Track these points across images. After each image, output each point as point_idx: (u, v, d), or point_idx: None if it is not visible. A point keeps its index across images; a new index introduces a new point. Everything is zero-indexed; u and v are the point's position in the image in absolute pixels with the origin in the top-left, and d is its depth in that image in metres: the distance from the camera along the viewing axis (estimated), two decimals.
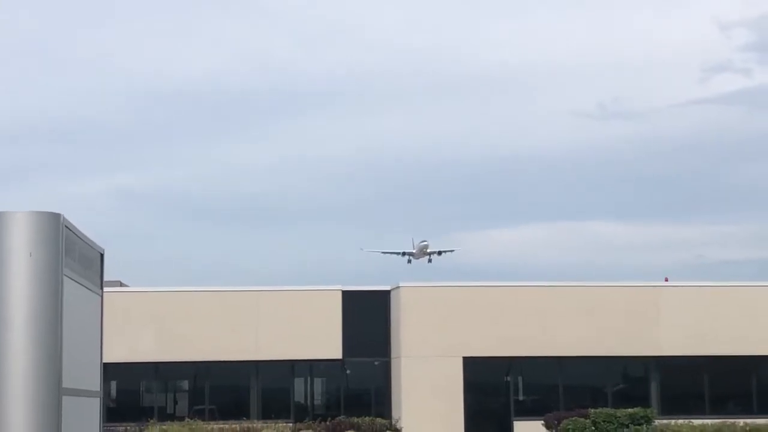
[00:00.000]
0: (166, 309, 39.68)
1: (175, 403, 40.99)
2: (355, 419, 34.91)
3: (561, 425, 34.98)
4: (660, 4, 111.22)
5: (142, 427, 34.38)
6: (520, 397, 40.92)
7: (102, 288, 10.05)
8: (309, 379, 41.24)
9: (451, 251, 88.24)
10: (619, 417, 34.72)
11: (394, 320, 40.27)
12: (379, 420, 35.27)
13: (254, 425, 34.89)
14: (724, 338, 39.89)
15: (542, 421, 36.53)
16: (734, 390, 41.13)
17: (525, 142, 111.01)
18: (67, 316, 8.16)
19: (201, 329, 39.30)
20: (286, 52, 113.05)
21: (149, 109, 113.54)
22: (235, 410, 38.70)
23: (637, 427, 34.30)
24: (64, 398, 8.09)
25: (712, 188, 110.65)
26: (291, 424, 35.60)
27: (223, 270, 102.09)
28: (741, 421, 34.38)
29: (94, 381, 9.83)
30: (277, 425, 34.66)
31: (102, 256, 9.96)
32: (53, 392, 7.89)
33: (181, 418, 36.33)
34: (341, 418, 35.46)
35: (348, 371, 40.94)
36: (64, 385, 8.08)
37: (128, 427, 34.80)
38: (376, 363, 40.83)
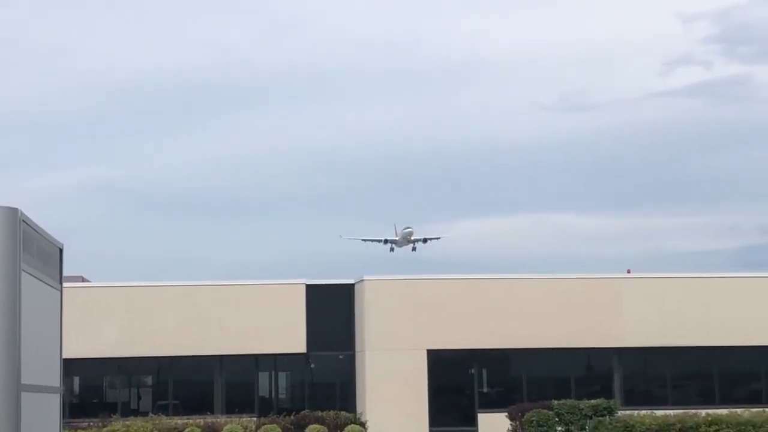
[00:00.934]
0: (129, 304, 39.48)
1: (139, 398, 40.80)
2: (320, 413, 34.92)
3: (525, 417, 35.11)
4: None
5: (106, 423, 34.20)
6: (485, 390, 41.05)
7: (61, 283, 9.98)
8: (273, 373, 41.16)
9: (437, 238, 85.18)
10: (582, 408, 34.90)
11: (359, 314, 40.28)
12: (343, 413, 35.28)
13: (218, 420, 34.80)
14: (686, 329, 40.22)
15: (506, 413, 36.65)
16: (696, 381, 41.47)
17: (488, 134, 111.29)
18: (26, 311, 8.09)
19: (164, 324, 39.16)
20: (247, 43, 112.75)
21: (111, 102, 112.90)
22: (199, 405, 38.61)
23: (600, 418, 34.49)
24: (23, 394, 8.03)
25: (673, 180, 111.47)
26: (255, 419, 35.51)
27: (187, 264, 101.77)
28: (703, 412, 34.61)
29: (53, 377, 9.77)
30: (241, 420, 34.57)
31: (61, 251, 9.89)
32: (12, 388, 7.83)
33: (145, 414, 36.18)
34: (306, 412, 35.46)
35: (312, 365, 40.93)
36: (23, 381, 8.03)
37: (91, 423, 34.63)
38: (340, 357, 40.84)
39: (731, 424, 33.42)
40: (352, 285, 40.81)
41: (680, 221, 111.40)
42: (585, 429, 34.57)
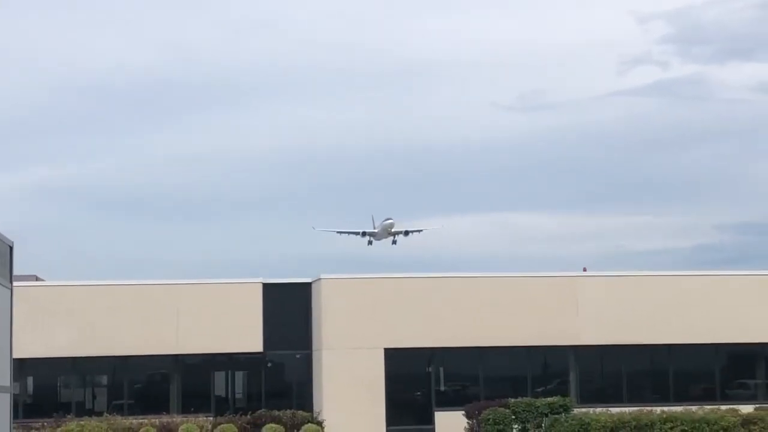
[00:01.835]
0: (83, 303, 39.18)
1: (94, 398, 40.49)
2: (277, 412, 34.78)
3: (481, 415, 35.16)
4: None
5: (60, 423, 33.89)
6: (442, 388, 41.09)
7: (11, 282, 9.85)
8: (230, 372, 40.99)
9: (419, 231, 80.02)
10: (539, 406, 35.01)
11: (316, 313, 40.20)
12: (300, 413, 35.16)
13: (174, 420, 34.55)
14: (641, 327, 40.50)
15: (463, 412, 36.69)
16: (651, 378, 41.75)
17: (447, 133, 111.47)
18: None
19: (120, 323, 38.89)
20: (205, 43, 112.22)
21: (65, 101, 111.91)
22: (155, 405, 38.33)
23: (556, 415, 34.62)
24: None
25: (631, 179, 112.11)
26: (211, 418, 35.30)
27: (143, 263, 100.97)
28: (658, 409, 34.83)
29: (3, 376, 9.63)
30: (197, 419, 34.34)
31: (11, 249, 9.75)
32: None
33: (100, 414, 35.87)
34: (262, 411, 35.30)
35: (269, 364, 40.78)
36: None
37: (45, 423, 34.31)
38: (297, 356, 40.73)
39: (686, 421, 33.65)
40: (310, 284, 40.71)
41: (637, 220, 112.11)
42: (541, 427, 34.69)
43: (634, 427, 33.53)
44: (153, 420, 34.36)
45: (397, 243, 79.42)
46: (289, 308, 40.23)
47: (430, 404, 40.16)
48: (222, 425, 33.15)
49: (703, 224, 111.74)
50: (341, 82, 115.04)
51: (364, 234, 79.69)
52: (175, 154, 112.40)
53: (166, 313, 39.23)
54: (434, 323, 39.65)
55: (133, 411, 37.93)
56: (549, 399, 35.53)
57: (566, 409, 35.08)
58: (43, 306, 37.66)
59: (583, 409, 35.63)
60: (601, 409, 35.66)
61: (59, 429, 33.31)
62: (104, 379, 41.26)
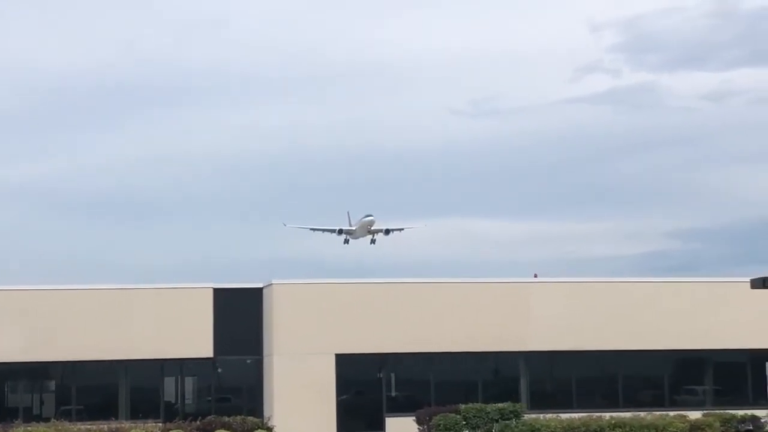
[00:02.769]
0: (31, 307, 38.80)
1: (42, 403, 40.10)
2: (226, 418, 34.52)
3: (432, 421, 35.23)
4: (534, 4, 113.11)
5: (7, 429, 33.51)
6: (393, 394, 41.09)
7: None
8: (179, 378, 40.72)
9: (401, 230, 75.84)
10: (489, 412, 35.10)
11: (267, 318, 40.06)
12: (250, 419, 34.93)
13: (123, 425, 34.21)
14: (591, 333, 40.73)
15: (414, 418, 36.72)
16: (601, 384, 41.97)
17: (398, 138, 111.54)
18: None
19: (68, 327, 38.57)
20: (158, 44, 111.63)
21: (19, 102, 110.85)
22: (104, 410, 37.96)
23: (507, 421, 34.74)
24: None
25: (583, 185, 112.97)
26: (161, 424, 35.03)
27: (93, 267, 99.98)
28: (607, 415, 35.06)
29: None
30: (146, 425, 34.05)
31: None
32: None
33: (48, 419, 35.45)
34: (212, 417, 35.02)
35: (219, 369, 40.55)
36: None
37: None
38: (248, 361, 40.56)
39: (635, 427, 33.91)
40: (261, 289, 40.56)
41: (588, 226, 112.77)
42: None
43: None
44: (101, 426, 34.03)
45: (376, 242, 75.19)
46: (240, 313, 40.05)
47: (381, 410, 40.13)
48: (171, 431, 32.90)
49: (652, 231, 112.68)
50: (296, 86, 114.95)
51: (340, 232, 75.65)
52: (130, 156, 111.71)
53: (115, 318, 38.94)
54: (386, 329, 39.64)
55: (81, 416, 37.57)
56: (499, 405, 35.63)
57: (517, 414, 35.22)
58: None
59: (534, 415, 35.80)
60: (551, 414, 35.86)
61: None
62: (52, 384, 40.86)
